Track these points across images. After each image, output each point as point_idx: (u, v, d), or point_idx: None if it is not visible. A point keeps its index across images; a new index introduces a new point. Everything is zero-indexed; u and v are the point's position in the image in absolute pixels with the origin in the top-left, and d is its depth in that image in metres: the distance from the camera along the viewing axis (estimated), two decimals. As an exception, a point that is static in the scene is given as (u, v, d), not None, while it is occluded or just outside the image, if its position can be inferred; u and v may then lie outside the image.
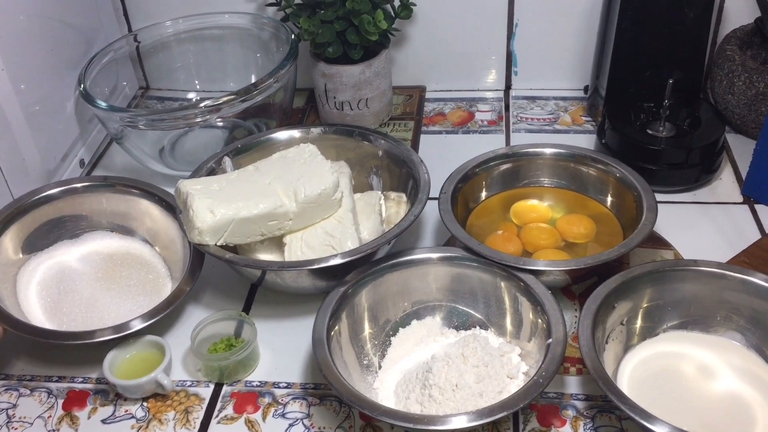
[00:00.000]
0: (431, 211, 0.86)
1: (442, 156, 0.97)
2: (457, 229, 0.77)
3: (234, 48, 1.09)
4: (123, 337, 0.72)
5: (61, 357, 0.77)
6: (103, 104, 0.93)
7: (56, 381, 0.75)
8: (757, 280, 0.69)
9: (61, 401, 0.73)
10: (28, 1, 0.92)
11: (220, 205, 0.75)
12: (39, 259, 0.83)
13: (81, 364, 0.76)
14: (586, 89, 1.09)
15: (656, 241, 0.84)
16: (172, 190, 0.79)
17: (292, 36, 1.00)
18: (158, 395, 0.72)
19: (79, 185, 0.87)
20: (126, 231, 0.87)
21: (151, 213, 0.86)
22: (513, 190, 0.89)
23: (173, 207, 0.83)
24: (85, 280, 0.82)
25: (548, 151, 0.88)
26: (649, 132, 0.93)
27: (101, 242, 0.86)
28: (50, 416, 0.72)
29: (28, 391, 0.74)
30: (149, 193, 0.86)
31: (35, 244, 0.83)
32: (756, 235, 0.84)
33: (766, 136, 0.86)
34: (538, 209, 0.87)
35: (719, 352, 0.69)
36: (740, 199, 0.91)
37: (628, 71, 0.96)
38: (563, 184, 0.89)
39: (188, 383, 0.73)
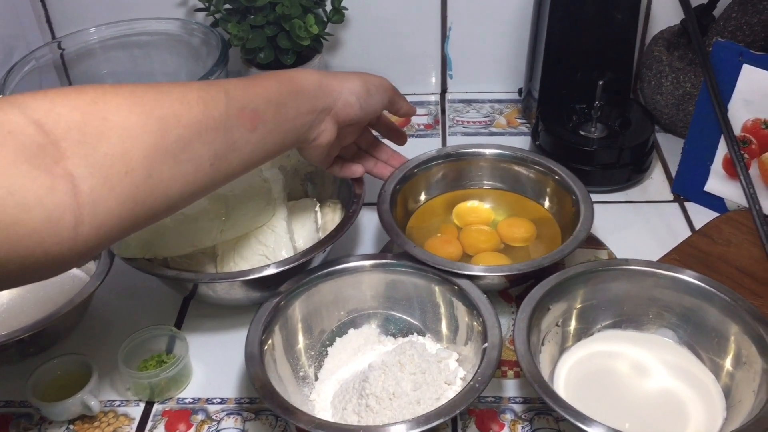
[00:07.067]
0: (371, 216, 0.85)
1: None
2: (394, 233, 0.76)
3: (163, 54, 1.07)
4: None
5: (-19, 381, 0.73)
6: (24, 115, 0.89)
7: (-24, 406, 0.71)
8: (686, 277, 0.70)
9: (-19, 427, 0.69)
10: (-60, 8, 0.88)
11: (147, 217, 0.72)
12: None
13: (2, 387, 0.73)
14: (520, 91, 1.09)
15: (591, 241, 0.84)
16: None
17: (222, 41, 0.98)
18: (85, 417, 0.69)
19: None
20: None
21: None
22: (454, 192, 0.89)
23: None
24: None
25: (487, 151, 0.88)
26: (582, 133, 0.94)
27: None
28: (-31, 444, 0.68)
29: (-55, 419, 0.70)
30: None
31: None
32: (686, 232, 0.86)
33: (694, 135, 0.88)
34: (480, 211, 0.87)
35: (652, 350, 0.70)
36: (671, 197, 0.92)
37: (560, 73, 0.97)
38: (504, 186, 0.88)
39: (117, 403, 0.71)
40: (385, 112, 0.81)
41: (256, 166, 0.64)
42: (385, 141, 0.86)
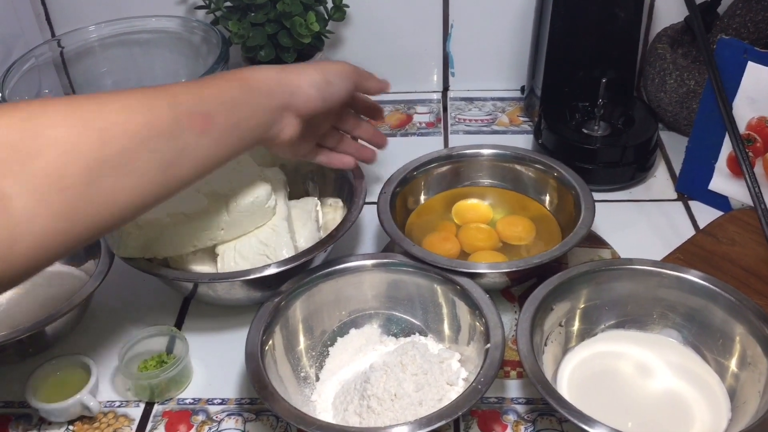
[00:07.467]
0: (372, 216, 0.84)
1: (380, 159, 0.95)
2: (394, 231, 0.75)
3: (163, 53, 1.06)
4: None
5: (-20, 381, 0.73)
6: (23, 113, 0.88)
7: (-25, 407, 0.71)
8: (690, 277, 0.69)
9: (-20, 429, 0.69)
10: (-62, 6, 0.88)
11: (147, 216, 0.72)
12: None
13: (1, 388, 0.72)
14: (522, 89, 1.09)
15: (594, 241, 0.84)
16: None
17: (222, 39, 0.97)
18: (85, 418, 0.69)
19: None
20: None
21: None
22: (454, 190, 0.88)
23: None
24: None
25: (487, 152, 0.88)
26: (585, 131, 0.93)
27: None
28: (-32, 445, 0.68)
29: (-56, 420, 0.70)
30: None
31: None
32: (690, 232, 0.85)
33: (698, 133, 0.87)
34: (479, 209, 0.87)
35: (656, 350, 0.69)
36: (674, 195, 0.92)
37: (563, 71, 0.97)
38: (504, 185, 0.88)
39: (117, 404, 0.70)
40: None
41: (213, 169, 0.63)
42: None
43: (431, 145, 0.98)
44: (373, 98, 1.10)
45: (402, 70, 1.12)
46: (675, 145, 0.99)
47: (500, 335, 0.65)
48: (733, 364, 0.66)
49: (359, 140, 0.84)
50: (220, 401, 0.70)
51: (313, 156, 0.78)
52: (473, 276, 0.71)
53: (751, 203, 0.79)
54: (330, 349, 0.72)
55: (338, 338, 0.73)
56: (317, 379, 0.70)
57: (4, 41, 1.01)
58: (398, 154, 0.92)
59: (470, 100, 1.11)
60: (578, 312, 0.71)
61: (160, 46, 1.06)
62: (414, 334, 0.73)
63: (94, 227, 0.52)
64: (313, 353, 0.71)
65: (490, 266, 0.72)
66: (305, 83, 0.69)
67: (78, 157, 0.50)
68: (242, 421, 0.68)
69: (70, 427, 0.68)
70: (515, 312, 0.77)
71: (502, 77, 1.11)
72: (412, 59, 1.11)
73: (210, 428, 0.68)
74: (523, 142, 1.01)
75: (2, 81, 0.93)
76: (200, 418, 0.69)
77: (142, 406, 0.70)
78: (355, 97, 0.79)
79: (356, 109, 0.83)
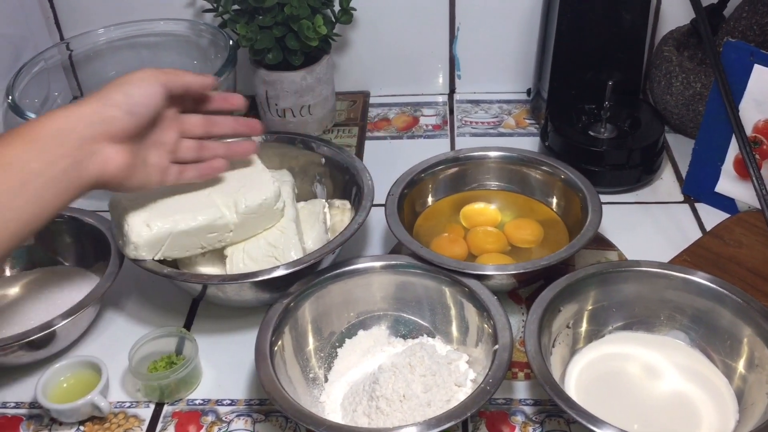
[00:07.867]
0: (379, 218, 0.85)
1: (387, 161, 0.96)
2: (402, 233, 0.76)
3: (171, 55, 1.07)
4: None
5: (-9, 382, 0.73)
6: (33, 116, 0.89)
7: (-14, 407, 0.71)
8: (698, 279, 0.69)
9: (-9, 429, 0.69)
10: (-51, 10, 0.88)
11: (156, 218, 0.72)
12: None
13: (12, 388, 0.73)
14: (529, 92, 1.09)
15: (600, 242, 0.84)
16: (104, 205, 0.76)
17: (230, 42, 0.97)
18: (95, 418, 0.69)
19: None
20: (52, 262, 0.84)
21: (75, 238, 0.84)
22: (462, 194, 0.88)
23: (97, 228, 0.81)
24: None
25: (493, 154, 0.88)
26: (591, 134, 0.93)
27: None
28: (-21, 445, 0.68)
29: (-44, 420, 0.70)
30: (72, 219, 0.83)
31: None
32: (697, 234, 0.85)
33: (704, 136, 0.88)
34: (487, 212, 0.87)
35: (664, 352, 0.70)
36: (681, 198, 0.92)
37: (569, 73, 0.97)
38: (512, 187, 0.88)
39: (127, 404, 0.71)
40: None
41: (17, 238, 0.58)
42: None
43: (438, 148, 0.98)
44: (380, 100, 1.13)
45: (408, 73, 1.12)
46: (681, 147, 0.99)
47: (508, 337, 0.65)
48: (740, 366, 0.66)
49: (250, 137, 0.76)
50: (229, 402, 0.71)
51: (179, 176, 0.70)
52: (481, 278, 0.71)
53: (757, 205, 0.79)
54: (338, 350, 0.72)
55: (347, 339, 0.73)
56: (326, 380, 0.70)
57: (13, 44, 1.01)
58: (405, 156, 0.93)
59: (476, 102, 1.11)
60: (586, 314, 0.71)
61: (169, 49, 1.07)
62: (422, 335, 0.73)
63: None
64: (322, 354, 0.72)
65: (497, 268, 0.73)
66: (102, 106, 0.62)
67: None
68: (251, 422, 0.69)
69: (81, 428, 0.69)
70: (523, 314, 0.77)
71: (508, 80, 1.11)
72: (419, 62, 1.11)
73: (219, 429, 0.68)
74: (530, 144, 1.01)
75: (12, 84, 0.94)
76: (210, 418, 0.69)
77: (152, 406, 0.70)
78: (193, 95, 0.71)
79: (207, 109, 0.73)
